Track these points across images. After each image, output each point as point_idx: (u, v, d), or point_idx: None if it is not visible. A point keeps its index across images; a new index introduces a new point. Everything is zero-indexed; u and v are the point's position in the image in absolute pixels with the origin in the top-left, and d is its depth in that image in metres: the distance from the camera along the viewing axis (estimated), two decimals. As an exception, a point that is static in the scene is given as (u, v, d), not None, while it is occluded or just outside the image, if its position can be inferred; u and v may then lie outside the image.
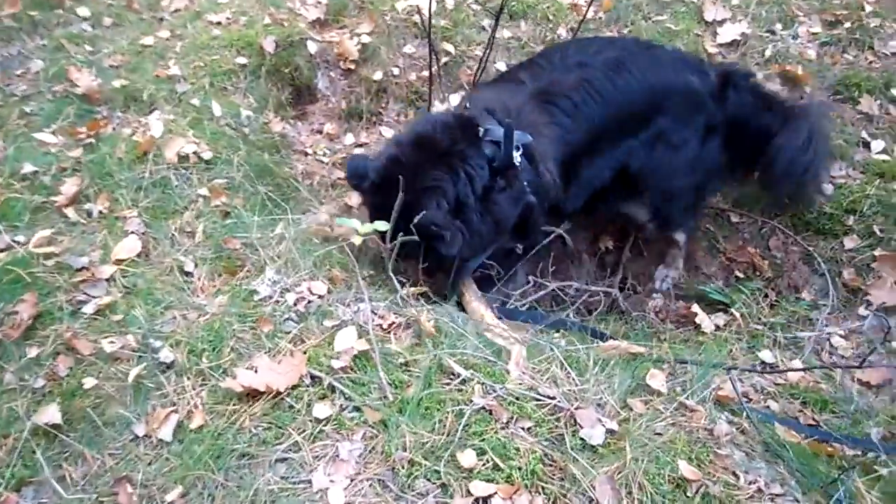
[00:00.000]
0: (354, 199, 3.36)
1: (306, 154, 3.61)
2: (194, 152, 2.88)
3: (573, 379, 2.12)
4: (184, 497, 1.73)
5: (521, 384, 2.04)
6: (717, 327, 2.85)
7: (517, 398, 1.98)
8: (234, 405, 1.92)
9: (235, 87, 3.51)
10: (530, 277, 2.83)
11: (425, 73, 3.76)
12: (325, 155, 3.60)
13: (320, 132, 3.76)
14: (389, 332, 2.20)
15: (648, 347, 2.46)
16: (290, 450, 1.83)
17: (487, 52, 3.39)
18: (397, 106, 3.76)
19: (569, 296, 2.87)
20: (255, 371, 1.97)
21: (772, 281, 3.02)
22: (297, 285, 2.31)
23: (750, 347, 2.74)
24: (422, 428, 1.86)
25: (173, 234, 2.51)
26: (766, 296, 2.96)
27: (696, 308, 2.85)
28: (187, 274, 2.37)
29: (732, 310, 2.87)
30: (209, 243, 2.48)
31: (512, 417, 1.93)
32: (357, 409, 1.92)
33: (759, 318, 2.86)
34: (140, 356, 2.04)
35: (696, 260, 3.19)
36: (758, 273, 3.06)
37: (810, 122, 2.81)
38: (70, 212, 2.58)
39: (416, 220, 2.19)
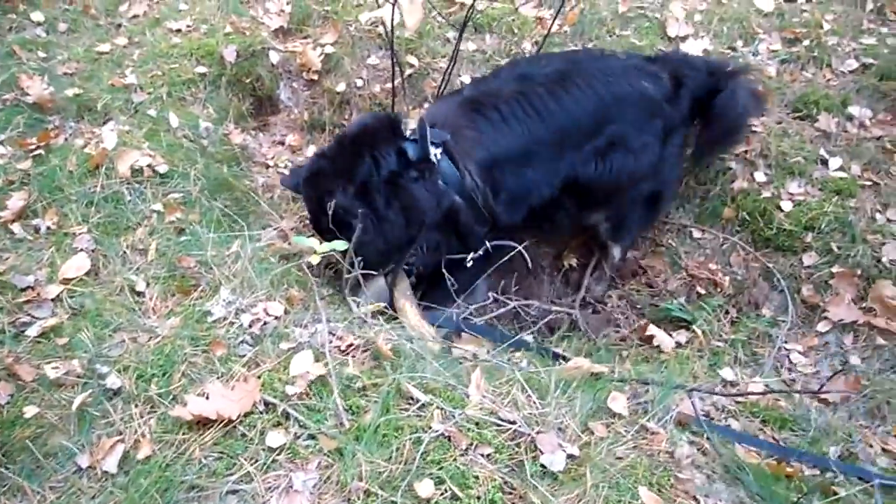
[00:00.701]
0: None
1: (267, 166, 3.54)
2: (149, 165, 2.79)
3: (534, 402, 2.09)
4: (130, 535, 1.66)
5: (481, 408, 2.01)
6: (679, 344, 2.85)
7: (477, 424, 1.95)
8: (183, 434, 1.85)
9: (194, 98, 3.43)
10: (491, 294, 2.80)
11: (389, 85, 3.72)
12: (286, 167, 3.53)
13: (282, 143, 3.69)
14: (348, 355, 2.15)
15: (610, 367, 2.45)
16: (242, 481, 1.76)
17: (451, 64, 3.37)
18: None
19: (530, 315, 2.85)
20: (207, 398, 1.91)
21: (733, 297, 3.04)
22: (253, 306, 2.25)
23: (711, 365, 2.75)
24: (379, 456, 1.81)
25: (125, 252, 2.43)
26: (727, 312, 2.98)
27: (652, 329, 2.85)
28: (138, 294, 2.30)
29: (694, 327, 2.88)
30: (162, 261, 2.40)
31: (471, 444, 1.89)
32: (312, 436, 1.86)
33: (721, 335, 2.88)
34: (85, 382, 1.96)
35: (658, 275, 3.21)
36: (719, 289, 3.08)
37: (744, 81, 3.00)
38: (16, 227, 2.49)
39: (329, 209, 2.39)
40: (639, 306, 3.11)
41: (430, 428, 1.90)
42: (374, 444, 1.85)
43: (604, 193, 2.82)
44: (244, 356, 2.06)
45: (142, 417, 1.90)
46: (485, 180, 2.57)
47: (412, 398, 1.99)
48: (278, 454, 1.82)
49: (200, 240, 2.51)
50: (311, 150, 3.65)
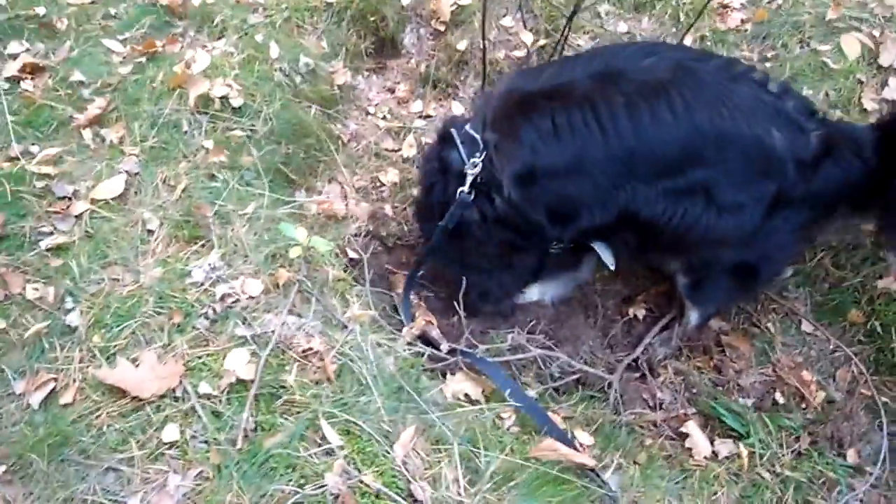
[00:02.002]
0: (390, 175, 3.14)
1: (368, 113, 3.40)
2: (223, 97, 2.77)
3: (459, 486, 1.84)
4: (8, 472, 1.75)
5: (393, 475, 1.81)
6: (715, 456, 2.35)
7: (376, 495, 1.75)
8: (100, 395, 1.88)
9: (313, 27, 3.33)
10: (518, 333, 2.49)
11: (517, 53, 3.33)
12: (384, 118, 3.37)
13: (392, 91, 3.50)
14: (299, 360, 2.04)
15: (596, 464, 2.07)
16: (126, 463, 1.77)
17: (562, 40, 2.88)
18: (477, 83, 3.38)
19: (550, 367, 2.48)
20: (137, 366, 1.91)
21: (815, 423, 2.41)
22: (235, 278, 2.19)
23: (742, 498, 2.24)
24: (253, 491, 1.71)
25: (158, 185, 2.47)
26: (798, 439, 2.38)
27: (691, 427, 2.36)
28: (150, 232, 2.33)
29: (742, 444, 2.34)
30: (182, 205, 2.41)
31: (357, 513, 1.72)
32: (206, 442, 1.80)
33: (774, 465, 2.31)
34: (51, 312, 2.05)
35: (735, 361, 2.63)
36: (803, 406, 2.45)
37: None
38: (86, 133, 2.62)
39: None
40: (694, 391, 2.59)
41: (322, 479, 1.75)
42: (258, 476, 1.74)
43: (671, 241, 2.26)
44: (195, 332, 2.03)
45: (80, 363, 1.96)
46: (520, 194, 2.19)
47: (323, 437, 1.84)
48: (168, 448, 1.79)
49: (228, 189, 2.47)
50: (416, 106, 3.44)
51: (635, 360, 2.67)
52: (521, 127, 2.11)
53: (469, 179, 2.24)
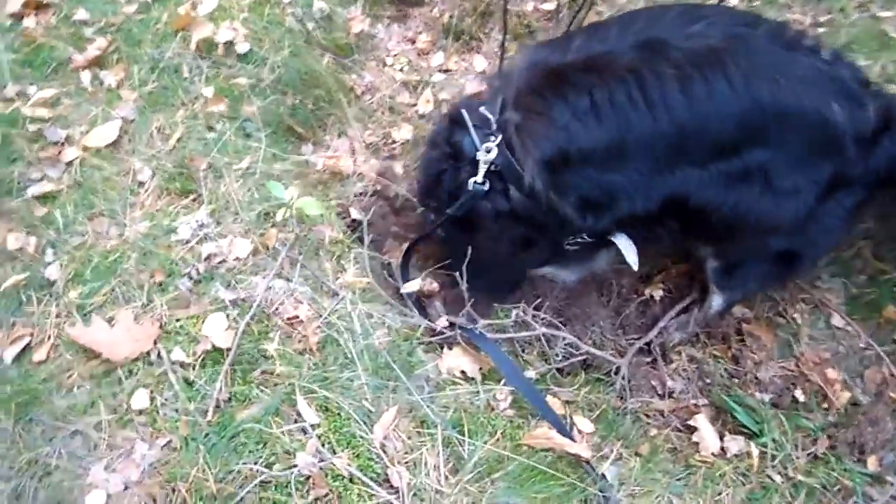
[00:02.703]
0: (403, 131, 2.97)
1: (385, 64, 3.21)
2: (228, 42, 2.62)
3: (440, 474, 1.73)
4: (-24, 432, 1.71)
5: (369, 458, 1.71)
6: (723, 453, 2.19)
7: (349, 478, 1.66)
8: (72, 353, 1.82)
9: (335, -32, 3.13)
10: (524, 309, 2.34)
11: (546, 6, 3.09)
12: (402, 70, 3.18)
13: (412, 42, 3.30)
14: (283, 328, 1.94)
15: (594, 454, 1.95)
16: (93, 427, 1.71)
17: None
18: (500, 37, 3.15)
19: (554, 347, 2.34)
20: (112, 325, 1.84)
21: (836, 426, 2.23)
22: (223, 237, 2.09)
23: (749, 500, 2.09)
24: (218, 467, 1.63)
25: (153, 133, 2.36)
26: (815, 441, 2.20)
27: (700, 420, 2.20)
28: (140, 184, 2.24)
29: (754, 443, 2.18)
30: (176, 156, 2.30)
31: (329, 496, 1.63)
32: (176, 411, 1.73)
33: (786, 468, 2.15)
34: (31, 264, 1.98)
35: (755, 352, 2.44)
36: (825, 406, 2.27)
37: None
38: (85, 75, 2.51)
39: None
40: (708, 381, 2.42)
41: (292, 458, 1.66)
42: (226, 451, 1.66)
43: (720, 228, 2.05)
44: (174, 293, 1.94)
45: (56, 318, 1.89)
46: (548, 182, 1.95)
47: (298, 413, 1.75)
48: (138, 415, 1.72)
49: (224, 140, 2.35)
50: (437, 59, 3.24)
51: (647, 344, 2.51)
52: (552, 105, 1.87)
53: (482, 168, 2.03)
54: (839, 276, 2.45)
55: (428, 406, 1.85)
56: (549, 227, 2.12)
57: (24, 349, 1.84)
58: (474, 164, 2.03)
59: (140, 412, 1.72)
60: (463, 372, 2.14)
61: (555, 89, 1.86)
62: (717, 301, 2.41)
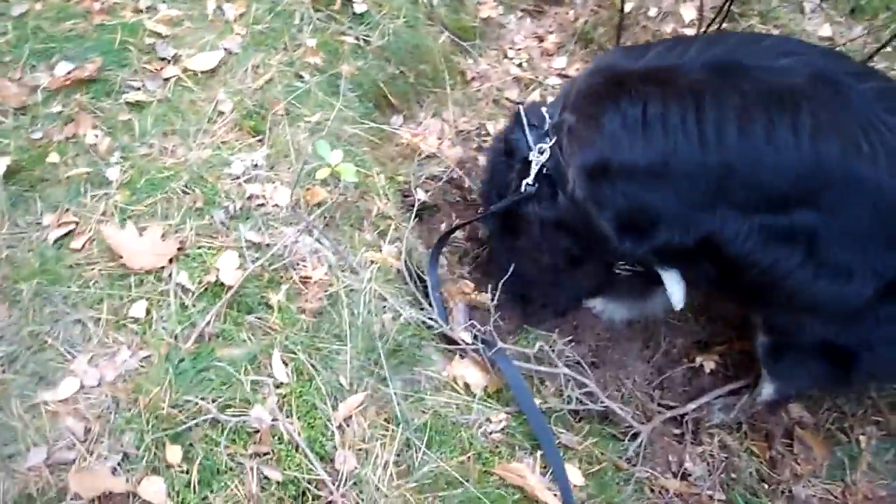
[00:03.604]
0: (500, 125, 2.88)
1: (505, 56, 3.13)
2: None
3: (387, 474, 1.67)
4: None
5: (323, 433, 1.68)
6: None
7: (295, 446, 1.64)
8: (101, 251, 1.91)
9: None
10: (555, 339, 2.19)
11: (689, 31, 2.85)
12: (520, 65, 3.08)
13: (541, 40, 3.19)
14: (296, 284, 1.94)
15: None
16: (93, 321, 1.80)
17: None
18: (630, 52, 2.96)
19: (574, 391, 2.15)
20: (140, 234, 1.93)
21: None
22: (270, 181, 2.12)
23: None
24: (179, 392, 1.66)
25: (248, 69, 2.44)
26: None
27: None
28: (220, 113, 2.32)
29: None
30: (259, 96, 2.36)
31: (266, 457, 1.62)
32: (165, 330, 1.78)
33: None
34: (97, 161, 2.11)
35: (798, 461, 2.12)
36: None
37: None
38: (210, 3, 2.63)
39: None
40: (734, 475, 2.14)
41: (249, 407, 1.66)
42: (192, 381, 1.69)
43: (752, 288, 1.82)
44: (205, 222, 1.99)
45: (101, 216, 2.00)
46: (588, 192, 1.82)
47: (271, 374, 1.74)
48: (133, 323, 1.80)
49: (308, 92, 2.38)
50: (559, 62, 3.11)
51: (681, 416, 2.27)
52: (604, 110, 1.73)
53: (534, 168, 1.92)
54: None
55: (399, 403, 1.77)
56: (593, 244, 1.97)
57: (66, 234, 1.97)
58: (526, 163, 1.93)
59: (136, 321, 1.79)
60: (467, 384, 2.04)
61: (611, 95, 1.72)
62: (767, 389, 2.14)
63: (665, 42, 1.90)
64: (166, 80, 2.38)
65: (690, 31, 2.81)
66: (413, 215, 2.29)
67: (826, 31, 2.63)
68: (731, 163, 1.63)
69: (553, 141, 1.88)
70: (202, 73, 2.40)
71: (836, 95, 1.57)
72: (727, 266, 1.78)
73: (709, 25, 2.48)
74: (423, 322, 2.04)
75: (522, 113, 1.94)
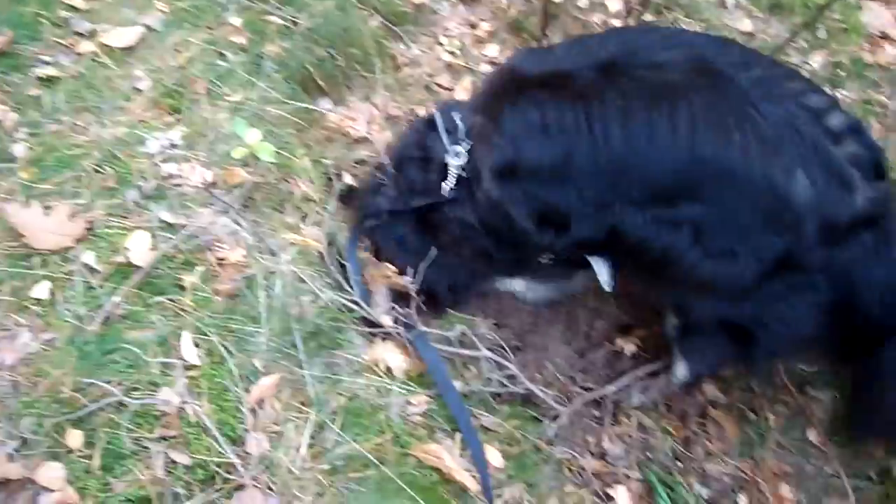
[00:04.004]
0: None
1: (438, 42, 3.12)
2: (277, -19, 2.61)
3: (298, 455, 1.65)
4: None
5: (234, 416, 1.65)
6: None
7: (204, 429, 1.60)
8: (3, 230, 1.83)
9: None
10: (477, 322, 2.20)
11: (615, 22, 2.91)
12: (452, 53, 3.08)
13: (473, 27, 3.19)
14: (211, 266, 1.89)
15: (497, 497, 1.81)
16: (-4, 303, 1.72)
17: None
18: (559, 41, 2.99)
19: (495, 373, 2.17)
20: (46, 213, 1.85)
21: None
22: (187, 161, 2.07)
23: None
24: (81, 376, 1.60)
25: (169, 47, 2.37)
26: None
27: (620, 493, 2.00)
28: (137, 91, 2.25)
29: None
30: (179, 74, 2.29)
31: (175, 440, 1.58)
32: (68, 312, 1.72)
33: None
34: (3, 137, 2.01)
35: (711, 440, 2.19)
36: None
37: None
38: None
39: None
40: (649, 455, 2.20)
41: (157, 388, 1.62)
42: (97, 364, 1.64)
43: (654, 268, 1.87)
44: (119, 201, 1.93)
45: (2, 194, 1.91)
46: (501, 193, 1.85)
47: (180, 349, 1.70)
48: (34, 304, 1.73)
49: (231, 71, 2.33)
50: (491, 50, 3.11)
51: (601, 398, 2.32)
52: (506, 113, 1.78)
53: (452, 172, 1.94)
54: (831, 388, 2.18)
55: (315, 385, 1.76)
56: (515, 242, 1.99)
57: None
58: (443, 168, 1.95)
59: (38, 302, 1.72)
60: (388, 367, 2.03)
61: (511, 99, 1.76)
62: (681, 370, 2.20)
63: (572, 42, 1.96)
64: (80, 55, 2.29)
65: (617, 23, 2.86)
66: (337, 198, 2.26)
67: (747, 25, 2.71)
68: (620, 162, 1.69)
69: (469, 144, 1.90)
70: (120, 49, 2.32)
71: (714, 88, 1.63)
72: (632, 252, 1.84)
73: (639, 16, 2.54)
74: (345, 305, 2.02)
75: (439, 117, 1.96)
